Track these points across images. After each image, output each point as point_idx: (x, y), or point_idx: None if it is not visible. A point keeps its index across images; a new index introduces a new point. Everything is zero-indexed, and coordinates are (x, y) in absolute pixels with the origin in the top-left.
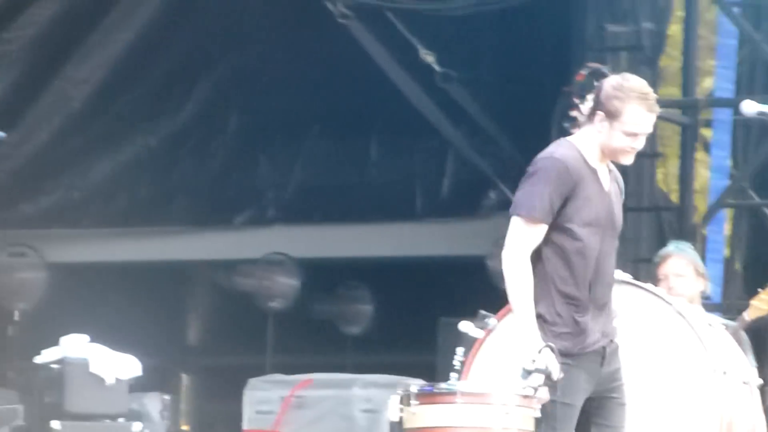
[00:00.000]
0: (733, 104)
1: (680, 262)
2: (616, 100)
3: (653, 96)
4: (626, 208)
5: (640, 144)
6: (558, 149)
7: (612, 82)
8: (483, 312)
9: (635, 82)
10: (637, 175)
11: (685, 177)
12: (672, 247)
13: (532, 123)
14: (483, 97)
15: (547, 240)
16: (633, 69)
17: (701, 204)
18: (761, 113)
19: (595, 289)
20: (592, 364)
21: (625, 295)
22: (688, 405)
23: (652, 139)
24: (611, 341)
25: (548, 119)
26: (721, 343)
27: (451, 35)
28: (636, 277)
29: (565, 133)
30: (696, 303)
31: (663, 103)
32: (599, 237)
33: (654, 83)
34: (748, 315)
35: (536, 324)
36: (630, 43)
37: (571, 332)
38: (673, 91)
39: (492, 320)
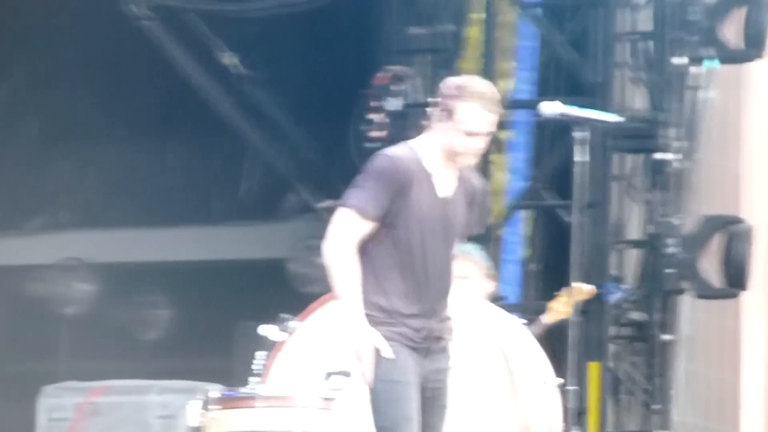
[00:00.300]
0: (533, 106)
1: (465, 264)
2: (451, 98)
3: (493, 96)
4: None
5: (478, 144)
6: (395, 150)
7: (451, 81)
8: (284, 315)
9: (473, 81)
10: None
11: (483, 178)
12: (456, 249)
13: (333, 125)
14: (283, 100)
15: (373, 236)
16: (433, 71)
17: (496, 205)
18: (562, 114)
19: (421, 290)
20: (417, 355)
21: None
22: (488, 404)
23: None
24: (439, 339)
25: (349, 121)
26: (521, 344)
27: (251, 36)
28: None
29: (362, 135)
30: None
31: None
32: (425, 240)
33: None
34: (546, 318)
35: (362, 312)
36: (430, 46)
37: (393, 322)
38: None
39: (293, 323)
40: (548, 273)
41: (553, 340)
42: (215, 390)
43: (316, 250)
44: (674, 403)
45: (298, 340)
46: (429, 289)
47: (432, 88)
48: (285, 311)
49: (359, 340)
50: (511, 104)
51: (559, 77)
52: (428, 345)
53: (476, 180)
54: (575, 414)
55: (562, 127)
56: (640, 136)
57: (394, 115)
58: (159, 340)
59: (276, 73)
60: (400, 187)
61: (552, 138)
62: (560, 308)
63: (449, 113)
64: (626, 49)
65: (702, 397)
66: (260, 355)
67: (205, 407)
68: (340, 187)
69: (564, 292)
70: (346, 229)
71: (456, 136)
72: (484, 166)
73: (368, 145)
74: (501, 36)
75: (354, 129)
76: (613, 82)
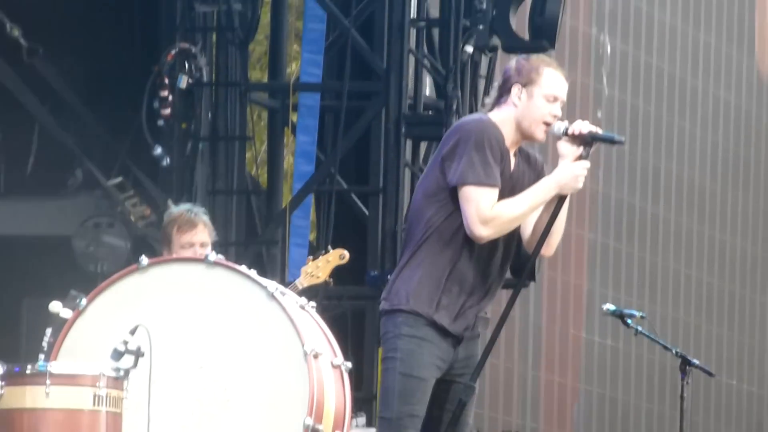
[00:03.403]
0: (321, 89)
1: (206, 233)
2: (530, 68)
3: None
4: (215, 191)
5: (558, 111)
6: (483, 116)
7: (518, 58)
8: (74, 292)
9: (539, 55)
10: (226, 157)
11: (273, 161)
12: (193, 214)
13: (120, 101)
14: (70, 74)
15: (440, 210)
16: (222, 50)
17: (286, 189)
18: (577, 134)
19: (482, 271)
20: (448, 345)
21: (217, 277)
22: (280, 387)
23: (242, 122)
24: (473, 328)
25: (137, 98)
26: (313, 326)
27: (38, 10)
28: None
29: (154, 112)
30: None
31: (253, 86)
32: None
33: (244, 66)
34: (302, 282)
35: (549, 185)
36: (220, 25)
37: (447, 306)
38: (258, 75)
39: (83, 300)
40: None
41: (345, 324)
42: (2, 366)
43: (102, 227)
44: None
45: (89, 317)
46: (490, 268)
47: (219, 67)
48: (71, 288)
49: (564, 174)
50: (301, 87)
51: (346, 61)
52: (463, 333)
53: (539, 157)
54: (364, 397)
55: (352, 113)
56: (429, 124)
57: (179, 93)
58: None
59: (62, 48)
60: (501, 155)
61: (344, 123)
62: (317, 273)
63: (531, 80)
64: (414, 36)
65: (501, 389)
66: (49, 332)
67: None
68: (129, 164)
69: (321, 256)
70: (480, 206)
71: (538, 103)
72: (275, 150)
73: (160, 122)
74: (293, 19)
75: (147, 106)
76: (404, 69)
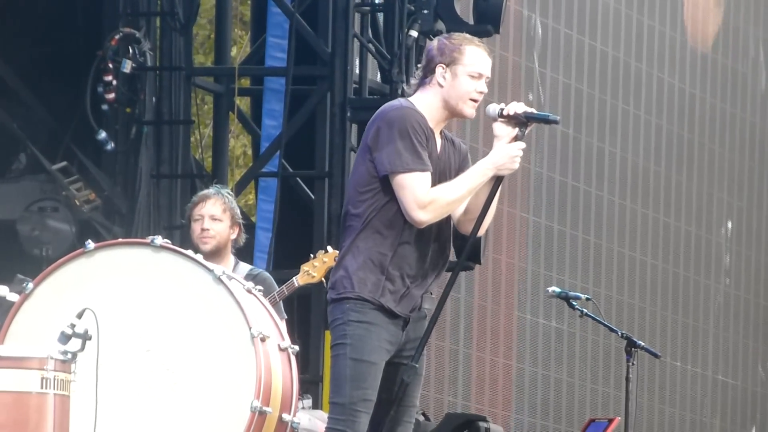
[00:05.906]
0: (266, 74)
1: (218, 207)
2: (452, 47)
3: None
4: (160, 175)
5: (484, 88)
6: (404, 102)
7: (440, 38)
8: (20, 276)
9: (460, 33)
10: (170, 142)
11: (218, 145)
12: (212, 189)
13: (64, 86)
14: (14, 59)
15: (375, 197)
16: (166, 35)
17: (238, 173)
18: (512, 115)
19: (422, 254)
20: (396, 328)
21: (163, 261)
22: (227, 370)
23: (186, 106)
24: (419, 308)
25: (82, 82)
26: (260, 310)
27: None
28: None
29: (99, 97)
30: (227, 250)
31: (197, 71)
32: None
33: (188, 50)
34: (299, 280)
35: (486, 167)
36: (163, 10)
37: (392, 290)
38: (201, 59)
39: (29, 284)
40: (283, 241)
41: (291, 307)
42: None
43: (47, 211)
44: None
45: (36, 301)
46: (424, 256)
47: (162, 52)
48: (17, 272)
49: (501, 155)
50: (263, 71)
51: (297, 46)
52: (409, 315)
53: (462, 144)
54: (311, 380)
55: (298, 97)
56: (374, 108)
57: (123, 78)
58: None
59: (6, 32)
60: (426, 138)
61: (291, 108)
62: (313, 272)
63: (454, 60)
64: (359, 21)
65: (446, 371)
66: None
67: None
68: (73, 148)
69: (318, 255)
70: (415, 193)
71: (463, 81)
72: (220, 134)
73: (104, 107)
74: (236, 4)
75: (91, 90)
76: (349, 53)
